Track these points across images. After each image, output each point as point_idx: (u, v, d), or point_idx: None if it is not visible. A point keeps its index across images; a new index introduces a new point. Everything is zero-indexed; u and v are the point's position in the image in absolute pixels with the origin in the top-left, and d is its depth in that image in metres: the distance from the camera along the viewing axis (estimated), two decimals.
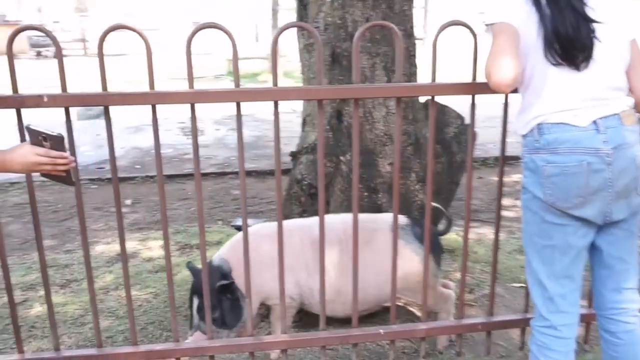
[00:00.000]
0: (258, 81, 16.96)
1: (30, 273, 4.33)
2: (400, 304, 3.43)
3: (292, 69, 16.62)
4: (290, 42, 20.98)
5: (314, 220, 3.07)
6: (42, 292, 3.95)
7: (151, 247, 4.86)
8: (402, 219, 3.20)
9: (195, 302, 3.04)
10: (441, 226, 3.44)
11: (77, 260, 4.57)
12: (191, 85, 2.41)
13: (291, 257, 3.06)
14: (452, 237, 4.58)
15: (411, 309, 3.54)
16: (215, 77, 18.00)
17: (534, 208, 2.16)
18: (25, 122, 2.31)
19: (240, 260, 2.81)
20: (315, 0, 3.74)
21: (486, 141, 6.97)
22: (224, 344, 2.67)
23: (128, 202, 6.11)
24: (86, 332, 3.51)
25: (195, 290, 3.07)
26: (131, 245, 4.83)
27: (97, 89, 2.45)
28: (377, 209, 3.62)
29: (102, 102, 2.36)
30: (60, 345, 2.76)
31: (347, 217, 3.24)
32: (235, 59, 2.35)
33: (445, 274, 4.00)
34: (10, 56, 2.28)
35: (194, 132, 2.45)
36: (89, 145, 8.55)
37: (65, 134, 2.11)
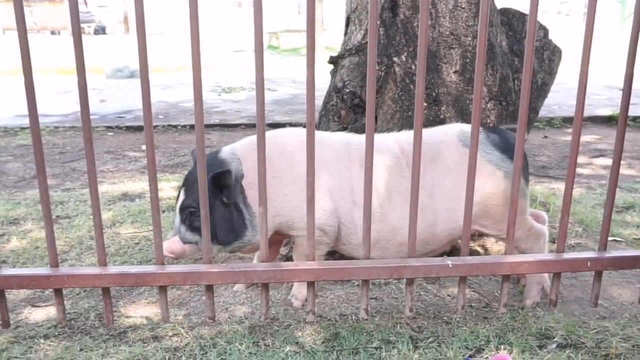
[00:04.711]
0: (300, 54, 16.17)
1: (16, 208, 3.68)
2: (472, 245, 2.60)
3: (335, 44, 15.84)
4: (333, 14, 20.16)
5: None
6: (23, 227, 3.35)
7: (162, 189, 4.16)
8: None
9: (181, 196, 2.26)
10: None
11: (74, 198, 3.88)
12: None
13: (332, 176, 2.25)
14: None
15: (489, 247, 2.73)
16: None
17: None
18: None
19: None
20: None
21: (551, 103, 7.01)
22: (225, 270, 1.88)
23: (144, 147, 5.44)
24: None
25: (186, 180, 2.30)
26: (141, 185, 4.25)
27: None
28: (439, 123, 2.77)
29: None
30: None
31: (403, 135, 2.42)
32: None
33: None
34: None
35: None
36: (113, 97, 8.35)
37: None
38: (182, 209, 2.24)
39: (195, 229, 2.22)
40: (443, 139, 2.36)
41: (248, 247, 2.30)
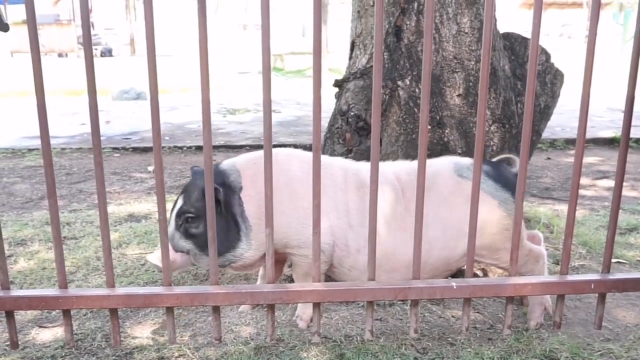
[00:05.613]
0: (304, 76, 16.30)
1: (24, 229, 3.71)
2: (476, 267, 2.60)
3: (338, 65, 15.97)
4: (337, 38, 20.31)
5: (364, 164, 2.34)
6: (31, 248, 3.37)
7: (168, 210, 4.15)
8: (468, 159, 2.41)
9: (179, 202, 2.31)
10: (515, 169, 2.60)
11: (81, 219, 3.91)
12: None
13: (328, 197, 2.28)
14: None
15: (492, 269, 2.74)
16: (260, 72, 17.43)
17: None
18: None
19: (256, 178, 2.07)
20: None
21: (554, 125, 6.97)
22: (232, 292, 1.90)
23: (150, 168, 5.49)
24: None
25: (185, 188, 2.35)
26: (147, 206, 4.26)
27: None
28: (443, 146, 2.81)
29: None
30: None
31: (398, 165, 2.49)
32: None
33: None
34: None
35: None
36: (119, 119, 8.45)
37: None
38: (179, 214, 2.28)
39: (189, 235, 2.27)
40: (438, 169, 2.40)
41: (239, 263, 2.31)
